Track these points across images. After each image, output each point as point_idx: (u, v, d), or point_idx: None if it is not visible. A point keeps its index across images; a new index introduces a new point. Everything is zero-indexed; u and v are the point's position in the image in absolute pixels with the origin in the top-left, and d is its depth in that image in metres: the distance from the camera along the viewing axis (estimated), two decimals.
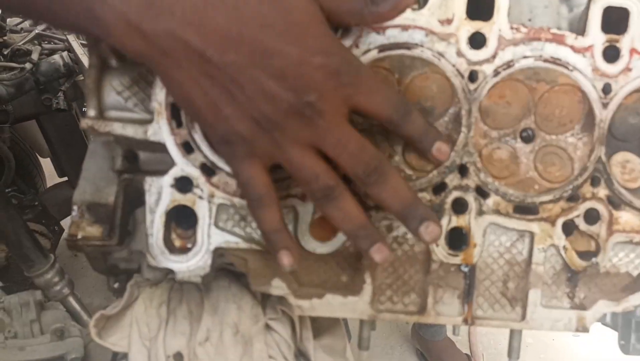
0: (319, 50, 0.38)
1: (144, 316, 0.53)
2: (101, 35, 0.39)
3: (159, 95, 0.47)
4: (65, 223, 1.85)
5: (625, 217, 0.51)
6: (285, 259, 0.43)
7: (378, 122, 0.45)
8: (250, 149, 0.41)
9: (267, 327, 0.51)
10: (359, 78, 0.41)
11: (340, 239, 0.50)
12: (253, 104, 0.38)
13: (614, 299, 0.52)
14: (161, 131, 0.47)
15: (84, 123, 0.47)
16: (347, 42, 0.48)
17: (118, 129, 0.47)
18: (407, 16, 0.48)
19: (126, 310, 0.56)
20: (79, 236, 0.52)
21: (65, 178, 2.12)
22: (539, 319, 0.51)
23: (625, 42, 0.49)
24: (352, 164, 0.41)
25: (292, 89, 0.37)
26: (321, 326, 0.56)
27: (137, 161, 0.54)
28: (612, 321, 0.68)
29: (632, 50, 0.50)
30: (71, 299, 1.08)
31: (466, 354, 1.77)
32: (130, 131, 0.47)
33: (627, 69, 0.50)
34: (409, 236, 0.51)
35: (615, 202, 0.51)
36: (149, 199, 0.48)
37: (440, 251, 0.50)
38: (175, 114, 0.47)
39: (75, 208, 0.53)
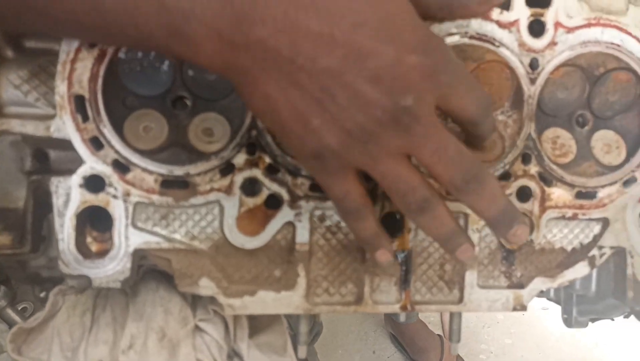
0: (415, 46, 0.34)
1: (66, 325, 0.50)
2: (185, 53, 0.35)
3: (61, 87, 0.43)
4: None
5: (557, 193, 0.51)
6: (383, 257, 0.42)
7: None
8: (342, 163, 0.37)
9: (198, 329, 0.48)
10: (457, 77, 0.37)
11: (270, 232, 0.47)
12: (345, 113, 0.34)
13: (550, 276, 0.52)
14: (65, 126, 0.43)
15: None
16: None
17: (17, 126, 0.43)
18: None
19: (49, 320, 0.52)
20: None
21: None
22: (476, 300, 0.51)
23: (549, 16, 0.49)
24: (451, 173, 0.37)
25: (387, 93, 0.34)
26: (260, 324, 0.54)
27: (47, 161, 0.50)
28: (555, 296, 0.69)
29: (557, 24, 0.49)
30: (9, 312, 1.01)
31: (438, 335, 1.79)
32: (31, 128, 0.43)
33: (553, 43, 0.49)
34: (343, 224, 0.49)
35: (546, 178, 0.51)
36: (57, 201, 0.45)
37: None
38: (80, 108, 0.43)
39: None
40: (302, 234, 0.48)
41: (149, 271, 0.54)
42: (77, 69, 0.43)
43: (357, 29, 0.33)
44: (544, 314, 1.94)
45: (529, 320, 1.96)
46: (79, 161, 0.45)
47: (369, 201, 0.40)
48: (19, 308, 1.07)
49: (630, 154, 0.52)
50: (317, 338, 1.80)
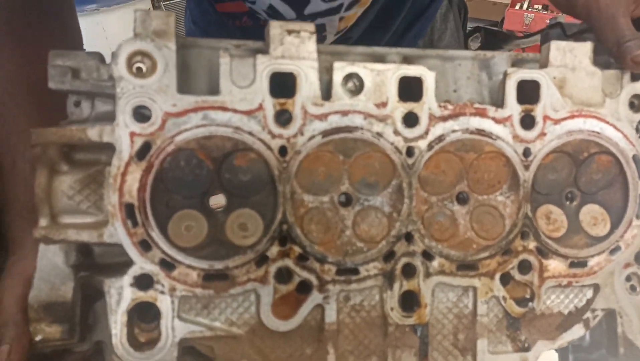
0: None
1: None
2: None
3: (113, 198, 0.48)
4: None
5: (553, 264, 0.57)
6: None
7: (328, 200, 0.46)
8: None
9: None
10: None
11: (301, 315, 0.52)
12: None
13: (551, 338, 0.58)
14: (117, 232, 0.48)
15: (37, 233, 0.47)
16: (292, 131, 0.51)
17: (73, 235, 0.48)
18: (346, 102, 0.52)
19: None
20: (38, 338, 0.52)
21: None
22: None
23: (538, 111, 0.56)
24: None
25: None
26: None
27: (92, 255, 0.54)
28: None
29: (545, 117, 0.56)
30: None
31: None
32: (86, 236, 0.48)
33: (543, 134, 0.56)
34: (365, 303, 0.54)
35: (543, 252, 0.57)
36: (110, 300, 0.49)
37: (396, 315, 0.54)
38: (130, 214, 0.48)
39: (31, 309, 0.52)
40: (330, 315, 0.53)
41: (187, 348, 0.58)
42: (127, 180, 0.48)
43: None
44: None
45: None
46: (122, 254, 0.50)
47: None
48: None
49: (614, 226, 0.59)
50: None
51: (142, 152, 0.48)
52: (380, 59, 0.58)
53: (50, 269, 0.53)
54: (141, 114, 0.48)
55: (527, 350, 0.57)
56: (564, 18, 0.68)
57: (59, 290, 0.53)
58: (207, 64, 0.53)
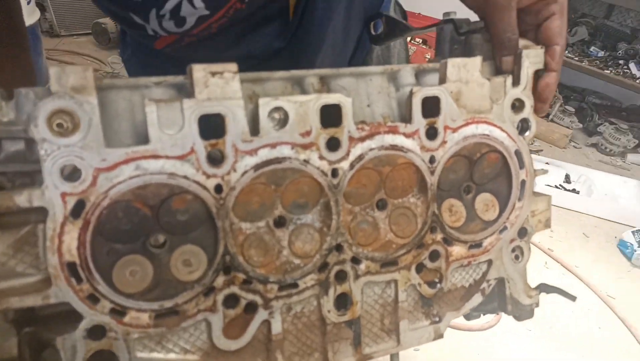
0: None
1: None
2: None
3: (52, 259, 0.48)
4: None
5: (456, 249, 0.68)
6: None
7: (264, 225, 0.52)
8: None
9: None
10: None
11: (250, 332, 0.57)
12: None
13: (457, 309, 0.70)
14: (63, 292, 0.48)
15: None
16: (225, 169, 0.53)
17: (16, 303, 0.47)
18: (274, 135, 0.55)
19: None
20: None
21: None
22: (409, 340, 0.67)
23: (440, 122, 0.63)
24: None
25: None
26: None
27: (32, 308, 0.54)
28: None
29: (445, 127, 0.64)
30: None
31: None
32: (31, 301, 0.48)
33: (444, 142, 0.64)
34: (305, 310, 0.61)
35: (448, 240, 0.67)
36: (65, 355, 0.50)
37: (332, 315, 0.62)
38: (73, 273, 0.49)
39: None
40: (276, 327, 0.59)
41: None
42: (65, 240, 0.48)
43: None
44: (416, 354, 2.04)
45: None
46: (64, 303, 0.51)
47: None
48: None
49: (502, 210, 0.70)
50: None
51: (77, 210, 0.48)
52: (299, 80, 0.61)
53: None
54: (70, 172, 0.47)
55: (439, 321, 0.69)
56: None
57: (2, 349, 0.52)
58: (127, 105, 0.52)
